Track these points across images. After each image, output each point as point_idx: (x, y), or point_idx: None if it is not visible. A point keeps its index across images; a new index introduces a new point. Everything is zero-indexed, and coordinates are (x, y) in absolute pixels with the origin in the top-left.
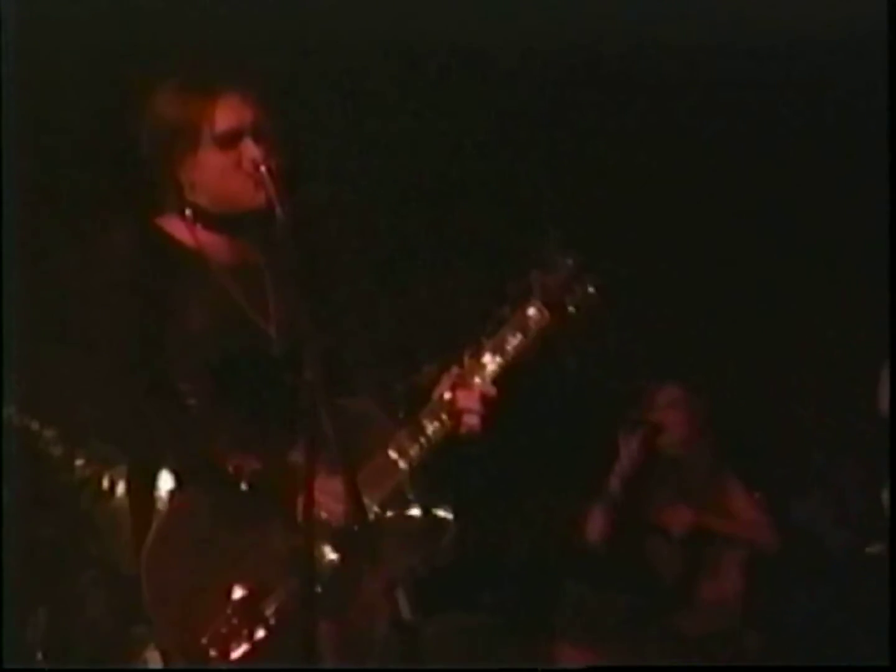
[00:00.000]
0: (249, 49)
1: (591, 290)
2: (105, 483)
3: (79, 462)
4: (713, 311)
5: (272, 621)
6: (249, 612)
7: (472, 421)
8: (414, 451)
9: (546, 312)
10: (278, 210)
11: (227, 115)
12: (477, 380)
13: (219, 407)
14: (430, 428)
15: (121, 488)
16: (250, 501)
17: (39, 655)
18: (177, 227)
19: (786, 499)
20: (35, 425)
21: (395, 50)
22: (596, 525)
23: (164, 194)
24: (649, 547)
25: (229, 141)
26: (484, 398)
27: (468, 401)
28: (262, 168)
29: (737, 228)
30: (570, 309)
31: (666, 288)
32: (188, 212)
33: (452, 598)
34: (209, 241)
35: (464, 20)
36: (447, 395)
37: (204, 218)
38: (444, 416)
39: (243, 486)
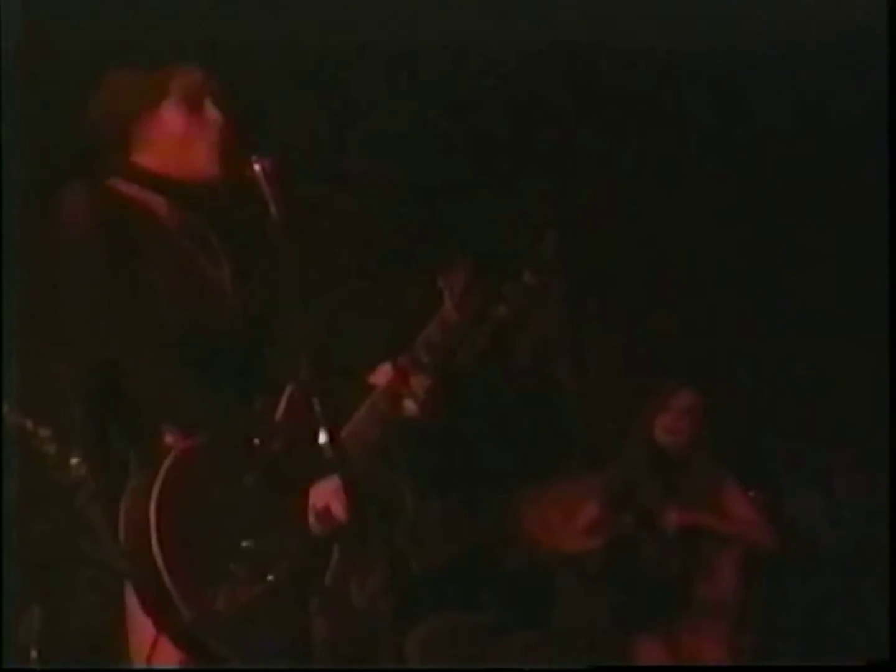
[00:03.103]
0: (244, 48)
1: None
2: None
3: (73, 461)
4: (711, 312)
5: (273, 576)
6: (254, 565)
7: (415, 407)
8: (374, 433)
9: (456, 314)
10: (273, 209)
11: (189, 74)
12: (412, 371)
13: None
14: (386, 411)
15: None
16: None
17: (34, 654)
18: (125, 188)
19: (782, 498)
20: (29, 424)
21: (388, 51)
22: (587, 535)
23: (109, 156)
24: (645, 546)
25: (192, 100)
26: (423, 386)
27: (414, 388)
28: (256, 166)
29: (734, 230)
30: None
31: (665, 289)
32: (131, 173)
33: (446, 597)
34: (154, 202)
35: (460, 20)
36: (390, 383)
37: (147, 180)
38: (394, 401)
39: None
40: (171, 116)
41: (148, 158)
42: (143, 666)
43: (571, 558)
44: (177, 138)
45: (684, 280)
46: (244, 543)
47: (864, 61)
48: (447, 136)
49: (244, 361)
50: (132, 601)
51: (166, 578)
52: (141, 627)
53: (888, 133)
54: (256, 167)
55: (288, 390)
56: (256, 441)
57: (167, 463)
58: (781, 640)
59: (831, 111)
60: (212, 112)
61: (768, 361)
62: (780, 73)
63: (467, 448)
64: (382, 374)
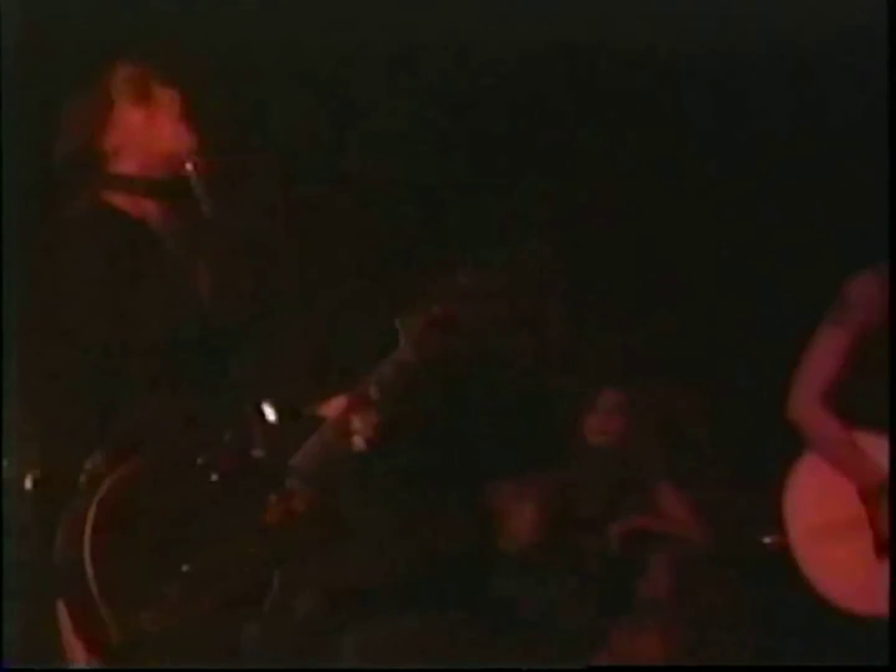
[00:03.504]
0: (245, 48)
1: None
2: (28, 483)
3: (5, 463)
4: (711, 312)
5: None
6: (193, 589)
7: (363, 445)
8: (322, 461)
9: (413, 355)
10: (204, 208)
11: (124, 69)
12: (363, 407)
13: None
14: (334, 443)
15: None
16: (213, 491)
17: None
18: (120, 200)
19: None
20: None
21: (388, 51)
22: (525, 525)
23: (90, 176)
24: (582, 546)
25: (138, 90)
26: (372, 423)
27: (363, 424)
28: (188, 165)
29: (734, 230)
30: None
31: (665, 289)
32: (116, 185)
33: (384, 600)
34: (149, 208)
35: (460, 20)
36: (339, 417)
37: (133, 187)
38: (342, 435)
39: (213, 477)
40: (126, 116)
41: (127, 165)
42: (137, 666)
43: (508, 558)
44: (143, 132)
45: (684, 280)
46: (184, 568)
47: (864, 61)
48: (447, 136)
49: (203, 382)
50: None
51: (98, 599)
52: (74, 648)
53: (888, 133)
54: (188, 166)
55: (239, 418)
56: (200, 461)
57: (107, 483)
58: (781, 640)
59: (831, 111)
60: (161, 92)
61: (769, 361)
62: (780, 73)
63: (429, 448)
64: (334, 407)
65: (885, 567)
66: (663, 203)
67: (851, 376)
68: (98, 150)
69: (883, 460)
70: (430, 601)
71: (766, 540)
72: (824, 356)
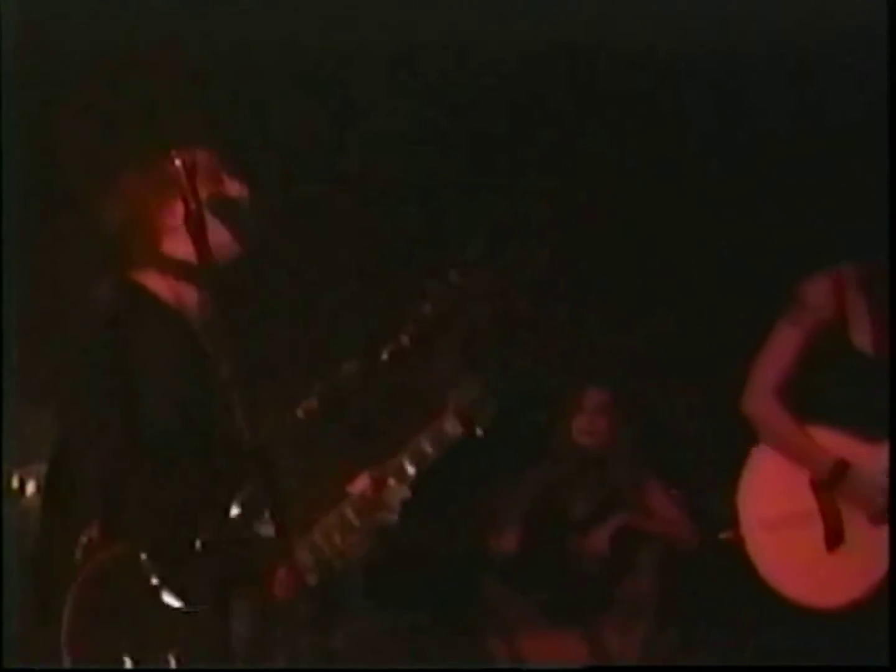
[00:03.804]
0: (244, 48)
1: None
2: (15, 482)
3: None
4: (711, 312)
5: None
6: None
7: (392, 517)
8: (337, 539)
9: (459, 427)
10: (191, 205)
11: (200, 156)
12: (392, 481)
13: (180, 465)
14: (355, 520)
15: (31, 488)
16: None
17: None
18: (156, 282)
19: None
20: None
21: (388, 51)
22: (510, 536)
23: (137, 250)
24: (570, 545)
25: (211, 174)
26: (401, 499)
27: (389, 499)
28: (178, 161)
29: (734, 230)
30: (478, 431)
31: (664, 289)
32: (162, 264)
33: (370, 598)
34: (188, 294)
35: (460, 20)
36: (368, 493)
37: (179, 269)
38: (365, 511)
39: (197, 546)
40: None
41: (181, 247)
42: (138, 667)
43: (494, 558)
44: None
45: (684, 280)
46: (170, 657)
47: (864, 61)
48: (447, 136)
49: (209, 468)
50: None
51: None
52: None
53: (888, 133)
54: (177, 162)
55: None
56: (198, 545)
57: (84, 573)
58: (781, 640)
59: (831, 111)
60: (233, 185)
61: (691, 361)
62: (780, 73)
63: None
64: (360, 484)
65: (836, 560)
66: (663, 203)
67: (805, 373)
68: (154, 226)
69: (834, 453)
70: (421, 601)
71: (721, 535)
72: (779, 353)
